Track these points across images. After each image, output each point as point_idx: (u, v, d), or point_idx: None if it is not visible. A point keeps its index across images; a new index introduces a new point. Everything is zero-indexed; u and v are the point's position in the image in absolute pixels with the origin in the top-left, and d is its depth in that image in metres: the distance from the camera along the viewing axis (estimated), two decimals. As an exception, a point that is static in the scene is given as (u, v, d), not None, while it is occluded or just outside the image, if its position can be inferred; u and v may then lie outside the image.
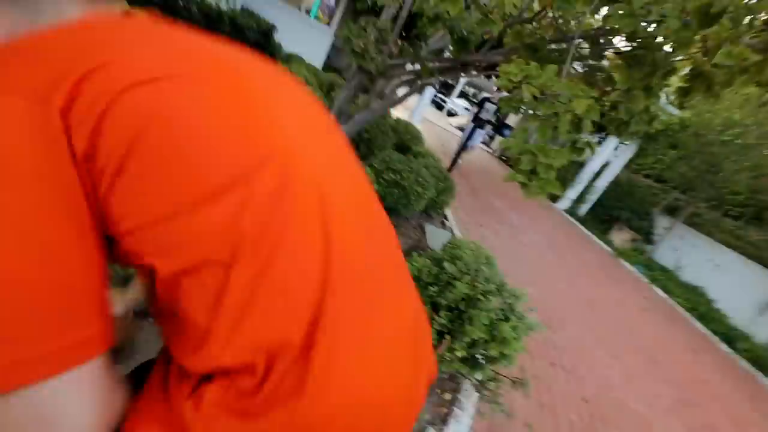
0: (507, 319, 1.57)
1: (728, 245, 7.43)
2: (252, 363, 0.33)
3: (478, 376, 1.72)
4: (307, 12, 7.14)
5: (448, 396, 1.78)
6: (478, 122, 6.01)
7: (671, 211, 8.52)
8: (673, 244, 8.21)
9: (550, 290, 4.03)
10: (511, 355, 1.57)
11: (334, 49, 7.46)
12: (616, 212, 9.20)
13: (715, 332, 5.88)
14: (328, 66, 7.25)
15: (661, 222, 8.70)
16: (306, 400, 0.33)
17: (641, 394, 2.84)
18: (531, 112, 1.33)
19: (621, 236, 8.70)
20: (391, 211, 3.26)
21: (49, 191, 0.26)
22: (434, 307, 1.61)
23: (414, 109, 8.65)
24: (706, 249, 7.75)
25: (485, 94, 21.62)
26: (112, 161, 0.27)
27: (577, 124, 1.38)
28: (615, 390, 2.73)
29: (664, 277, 7.30)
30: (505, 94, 1.59)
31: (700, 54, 1.27)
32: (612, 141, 9.07)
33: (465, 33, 2.36)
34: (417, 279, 1.68)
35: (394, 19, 2.91)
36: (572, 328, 3.38)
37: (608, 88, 1.80)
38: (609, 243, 8.36)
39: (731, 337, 5.80)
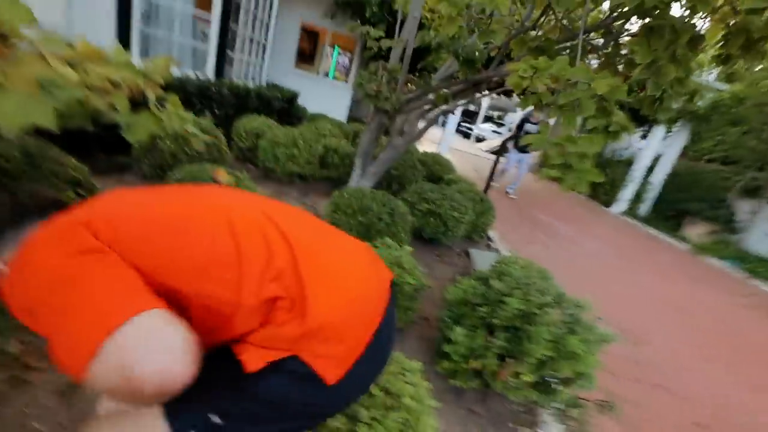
0: (573, 332, 1.41)
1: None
2: (264, 320, 0.60)
3: (556, 403, 1.53)
4: (326, 74, 7.75)
5: (526, 431, 1.59)
6: (520, 147, 5.97)
7: (750, 192, 7.56)
8: (764, 229, 7.18)
9: (623, 299, 3.62)
10: (588, 373, 1.39)
11: (354, 102, 7.93)
12: (682, 205, 8.33)
13: None
14: (351, 118, 7.67)
15: (742, 207, 7.71)
16: (309, 315, 0.59)
17: (770, 410, 2.36)
18: (550, 105, 1.28)
19: (695, 230, 7.79)
20: (432, 242, 3.20)
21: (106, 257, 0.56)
22: (489, 329, 1.49)
23: (440, 142, 8.76)
24: (808, 228, 6.68)
25: (513, 116, 21.46)
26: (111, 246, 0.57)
27: (603, 109, 1.30)
28: (738, 410, 2.29)
29: (764, 268, 6.31)
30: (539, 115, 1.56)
31: (726, 7, 1.17)
32: (658, 131, 8.47)
33: (469, 54, 2.41)
34: (464, 302, 1.59)
35: (402, 58, 3.06)
36: (661, 339, 2.96)
37: (630, 73, 1.71)
38: (683, 239, 7.51)
39: None
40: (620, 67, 1.86)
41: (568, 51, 1.99)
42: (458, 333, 1.47)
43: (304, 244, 0.65)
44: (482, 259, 3.14)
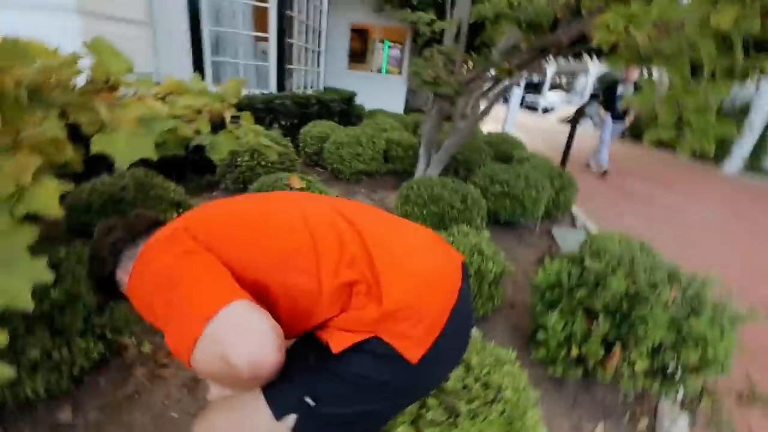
0: (696, 313, 1.22)
1: None
2: (344, 305, 0.64)
3: (678, 392, 1.34)
4: (379, 70, 7.78)
5: (644, 423, 1.42)
6: (615, 114, 5.24)
7: None
8: None
9: (750, 271, 3.05)
10: (720, 359, 1.18)
11: (411, 93, 7.84)
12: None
13: None
14: (409, 109, 7.61)
15: None
16: (385, 298, 0.62)
17: None
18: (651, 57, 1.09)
19: None
20: (509, 224, 3.03)
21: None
22: (588, 314, 1.36)
23: (505, 119, 8.26)
24: None
25: (584, 79, 19.33)
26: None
27: (727, 47, 1.07)
28: None
29: None
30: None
31: None
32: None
33: (532, 18, 2.20)
34: (556, 286, 1.46)
35: (456, 37, 2.92)
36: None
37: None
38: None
39: None
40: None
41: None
42: (553, 319, 1.36)
43: (373, 232, 0.69)
44: (568, 239, 2.89)
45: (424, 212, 2.30)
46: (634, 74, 5.10)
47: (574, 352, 1.34)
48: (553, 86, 19.44)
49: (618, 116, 5.36)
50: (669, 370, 1.24)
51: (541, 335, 1.43)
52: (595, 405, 1.47)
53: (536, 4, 2.17)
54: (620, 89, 5.23)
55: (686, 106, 0.93)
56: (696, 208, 4.72)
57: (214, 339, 0.51)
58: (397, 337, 0.61)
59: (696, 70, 0.97)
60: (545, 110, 17.38)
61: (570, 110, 14.14)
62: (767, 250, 3.59)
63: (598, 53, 2.64)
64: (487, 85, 2.82)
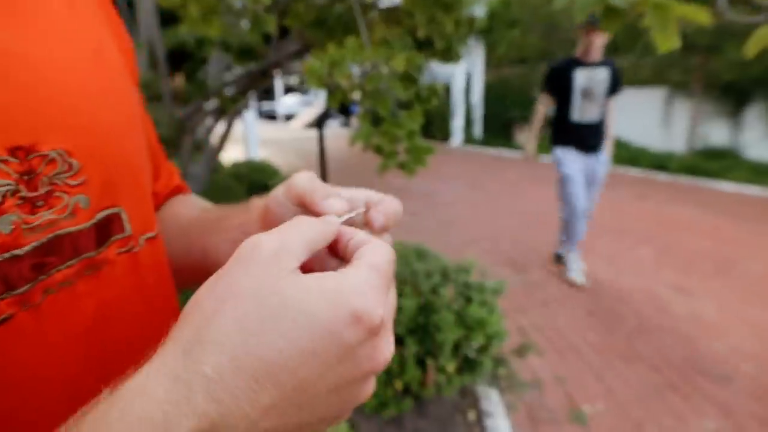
0: (470, 300, 1.71)
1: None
2: None
3: (485, 374, 1.85)
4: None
5: (472, 416, 1.87)
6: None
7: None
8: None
9: (500, 231, 4.43)
10: (497, 330, 1.71)
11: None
12: (505, 115, 10.40)
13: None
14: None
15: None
16: None
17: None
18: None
19: (524, 135, 9.89)
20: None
21: None
22: (398, 342, 1.67)
23: (247, 140, 8.57)
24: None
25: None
26: None
27: (409, 78, 1.55)
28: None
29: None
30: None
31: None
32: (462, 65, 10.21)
33: (242, 44, 2.43)
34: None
35: (155, 65, 2.85)
36: (536, 255, 3.79)
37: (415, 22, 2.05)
38: (519, 148, 9.46)
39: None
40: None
41: (347, 15, 2.22)
42: (370, 364, 1.60)
43: None
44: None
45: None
46: None
47: (398, 385, 1.62)
48: (288, 89, 21.49)
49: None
50: (470, 359, 1.70)
51: (364, 384, 1.65)
52: (432, 425, 1.82)
53: (243, 31, 2.41)
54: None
55: (396, 134, 1.32)
56: (445, 189, 6.37)
57: None
58: None
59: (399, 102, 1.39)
60: (288, 118, 18.99)
61: (312, 113, 16.06)
62: (503, 213, 5.27)
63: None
64: (211, 119, 2.90)
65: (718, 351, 2.33)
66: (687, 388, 2.06)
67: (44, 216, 0.24)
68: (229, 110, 2.71)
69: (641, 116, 8.50)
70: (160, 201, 0.49)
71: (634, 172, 7.29)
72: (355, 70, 1.39)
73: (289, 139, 13.22)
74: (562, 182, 3.04)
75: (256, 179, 4.61)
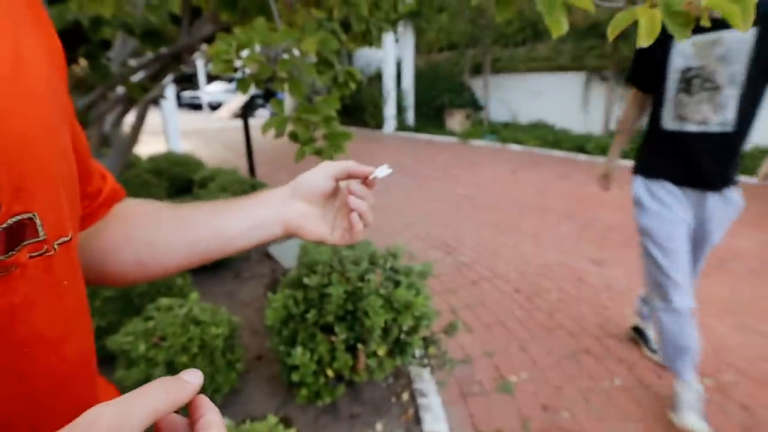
0: (398, 284, 1.76)
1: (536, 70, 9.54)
2: None
3: (416, 354, 1.92)
4: None
5: (405, 396, 1.94)
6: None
7: (475, 70, 10.35)
8: (497, 97, 10.09)
9: (430, 215, 4.56)
10: (426, 311, 1.78)
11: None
12: (436, 101, 10.65)
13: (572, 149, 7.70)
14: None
15: (476, 85, 10.51)
16: None
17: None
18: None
19: (456, 120, 10.21)
20: (222, 265, 3.13)
21: None
22: (326, 331, 1.69)
23: (166, 132, 8.09)
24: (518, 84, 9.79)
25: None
26: None
27: (325, 61, 1.54)
28: (532, 261, 3.38)
29: (507, 131, 9.02)
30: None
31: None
32: (387, 37, 10.27)
33: (147, 24, 2.28)
34: (288, 319, 1.72)
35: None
36: (468, 234, 3.96)
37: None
38: (451, 133, 9.75)
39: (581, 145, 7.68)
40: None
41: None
42: (298, 355, 1.61)
43: None
44: (287, 254, 3.31)
45: (96, 303, 2.04)
46: None
47: (330, 373, 1.64)
48: (213, 77, 20.46)
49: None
50: (400, 341, 1.76)
51: (296, 376, 1.65)
52: (367, 409, 1.87)
53: (142, 6, 2.26)
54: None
55: (312, 120, 1.32)
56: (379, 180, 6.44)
57: None
58: None
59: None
60: (213, 107, 18.10)
61: (238, 101, 15.40)
62: (435, 197, 5.41)
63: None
64: (119, 108, 2.71)
65: (626, 315, 2.58)
66: (600, 351, 2.27)
67: None
68: (138, 98, 2.54)
69: (563, 101, 9.08)
70: (101, 203, 0.51)
71: (557, 153, 7.80)
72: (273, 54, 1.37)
73: (215, 130, 12.63)
74: (643, 239, 1.83)
75: (177, 173, 4.38)
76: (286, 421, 1.78)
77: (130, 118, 2.98)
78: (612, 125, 8.05)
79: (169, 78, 2.80)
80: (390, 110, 10.69)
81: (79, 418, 0.24)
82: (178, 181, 4.24)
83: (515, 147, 8.36)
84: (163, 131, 8.16)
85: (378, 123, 11.01)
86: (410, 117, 11.01)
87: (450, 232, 4.06)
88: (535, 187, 5.61)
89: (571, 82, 8.90)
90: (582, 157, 7.47)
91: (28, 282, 0.31)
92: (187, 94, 18.72)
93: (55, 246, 0.33)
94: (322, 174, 0.55)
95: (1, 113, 0.29)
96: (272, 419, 1.22)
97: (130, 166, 4.05)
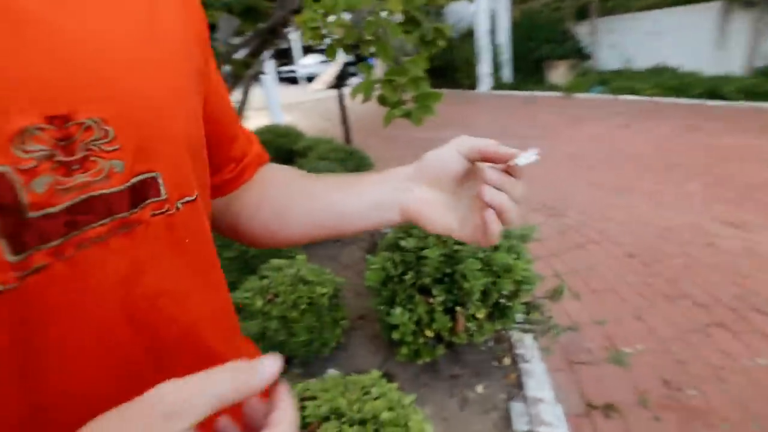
0: (496, 247, 1.70)
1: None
2: None
3: (518, 318, 1.86)
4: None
5: (507, 361, 1.91)
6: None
7: (581, 14, 9.33)
8: (606, 42, 9.04)
9: (532, 180, 4.32)
10: (527, 276, 1.71)
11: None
12: (536, 54, 9.85)
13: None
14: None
15: (581, 31, 9.51)
16: None
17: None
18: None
19: (558, 72, 9.39)
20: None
21: None
22: (424, 292, 1.70)
23: (269, 107, 8.60)
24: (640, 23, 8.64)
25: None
26: None
27: (412, 20, 1.49)
28: (654, 228, 3.05)
29: (618, 79, 8.09)
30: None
31: None
32: (484, 4, 9.63)
33: (244, 1, 2.40)
34: (387, 280, 1.76)
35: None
36: (575, 198, 3.69)
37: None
38: (553, 88, 9.02)
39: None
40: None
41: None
42: (397, 315, 1.65)
43: None
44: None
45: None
46: None
47: (429, 333, 1.67)
48: (307, 48, 21.11)
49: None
50: (500, 305, 1.71)
51: (396, 334, 1.71)
52: (468, 370, 1.88)
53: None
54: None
55: (401, 83, 1.28)
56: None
57: None
58: None
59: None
60: (309, 79, 18.77)
61: (331, 72, 15.75)
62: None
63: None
64: (227, 86, 2.92)
65: (773, 285, 2.23)
66: (738, 325, 2.00)
67: (79, 178, 0.27)
68: (242, 74, 2.71)
69: (690, 38, 7.85)
70: (245, 167, 0.52)
71: (682, 101, 6.83)
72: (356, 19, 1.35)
73: (312, 101, 13.14)
74: None
75: (281, 144, 4.65)
76: (388, 377, 1.86)
77: (236, 95, 3.20)
78: (760, 62, 6.78)
79: (267, 53, 2.93)
80: (485, 68, 10.14)
81: (143, 395, 0.25)
82: (282, 151, 4.50)
83: (629, 97, 7.47)
84: (266, 106, 8.68)
85: (472, 83, 10.54)
86: (507, 73, 10.35)
87: (552, 194, 3.81)
88: (653, 141, 4.99)
89: (701, 16, 7.62)
90: (716, 103, 6.45)
91: (151, 239, 0.32)
92: (284, 69, 19.60)
93: (179, 205, 0.34)
94: (452, 152, 0.45)
95: (131, 74, 0.30)
96: (375, 373, 1.28)
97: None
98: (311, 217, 0.50)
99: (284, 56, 20.88)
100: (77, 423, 0.24)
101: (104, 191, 0.29)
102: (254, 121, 7.29)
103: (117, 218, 0.30)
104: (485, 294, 1.68)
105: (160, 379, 0.32)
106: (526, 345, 1.96)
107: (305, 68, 19.36)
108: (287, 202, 0.51)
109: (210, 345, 0.38)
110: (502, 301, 1.73)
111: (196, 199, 0.36)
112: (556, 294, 1.81)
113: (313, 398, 1.15)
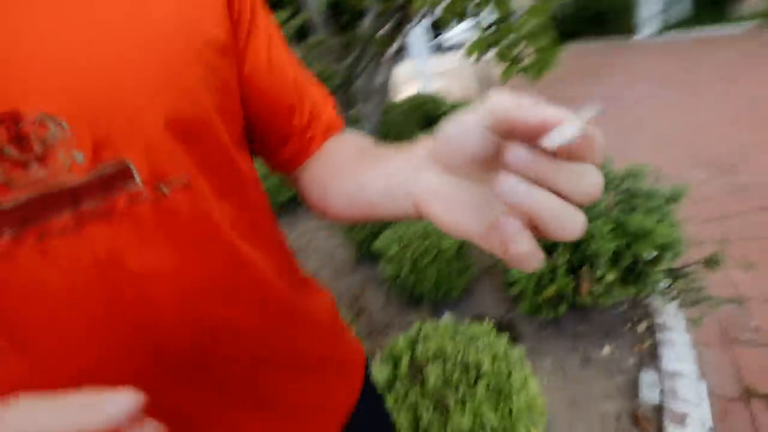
0: (633, 209, 1.41)
1: None
2: None
3: (659, 285, 1.54)
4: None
5: (642, 328, 1.62)
6: None
7: None
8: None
9: (699, 127, 3.44)
10: (671, 240, 1.38)
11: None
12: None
13: None
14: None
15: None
16: None
17: None
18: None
19: (749, 2, 7.09)
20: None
21: None
22: (547, 251, 1.52)
23: (419, 76, 8.54)
24: None
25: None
26: None
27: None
28: None
29: None
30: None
31: None
32: None
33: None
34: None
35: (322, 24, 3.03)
36: (756, 150, 2.81)
37: None
38: (740, 20, 6.88)
39: None
40: None
41: None
42: (515, 271, 1.52)
43: None
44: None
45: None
46: None
47: (549, 292, 1.50)
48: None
49: None
50: (636, 269, 1.43)
51: (515, 289, 1.58)
52: (594, 330, 1.65)
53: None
54: None
55: (516, 38, 1.09)
56: (628, 92, 5.18)
57: None
58: None
59: None
60: (461, 46, 17.97)
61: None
62: (704, 108, 4.04)
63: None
64: (373, 63, 2.95)
65: None
66: None
67: (38, 173, 0.26)
68: (384, 50, 2.71)
69: None
70: (312, 137, 0.44)
71: None
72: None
73: (466, 67, 12.58)
74: None
75: (428, 110, 4.62)
76: (510, 327, 1.76)
77: (383, 71, 3.22)
78: None
79: (409, 27, 2.85)
80: (647, 10, 8.21)
81: None
82: (428, 117, 4.47)
83: None
84: (417, 76, 8.64)
85: (627, 29, 8.68)
86: (682, 10, 8.20)
87: (724, 149, 2.97)
88: None
89: None
90: None
91: (133, 224, 0.29)
92: (436, 39, 19.11)
93: (164, 189, 0.31)
94: (472, 124, 0.25)
95: (87, 64, 0.27)
96: (487, 325, 1.21)
97: (389, 111, 4.48)
98: (348, 199, 0.39)
99: (437, 28, 20.29)
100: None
101: (68, 183, 0.27)
102: (407, 90, 7.35)
103: (85, 208, 0.27)
104: (616, 256, 1.42)
105: (156, 353, 0.31)
106: (669, 313, 1.62)
107: (456, 36, 18.56)
108: (327, 182, 0.42)
109: (211, 316, 0.34)
110: (639, 266, 1.44)
111: (189, 183, 0.32)
112: (712, 262, 1.43)
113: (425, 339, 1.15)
